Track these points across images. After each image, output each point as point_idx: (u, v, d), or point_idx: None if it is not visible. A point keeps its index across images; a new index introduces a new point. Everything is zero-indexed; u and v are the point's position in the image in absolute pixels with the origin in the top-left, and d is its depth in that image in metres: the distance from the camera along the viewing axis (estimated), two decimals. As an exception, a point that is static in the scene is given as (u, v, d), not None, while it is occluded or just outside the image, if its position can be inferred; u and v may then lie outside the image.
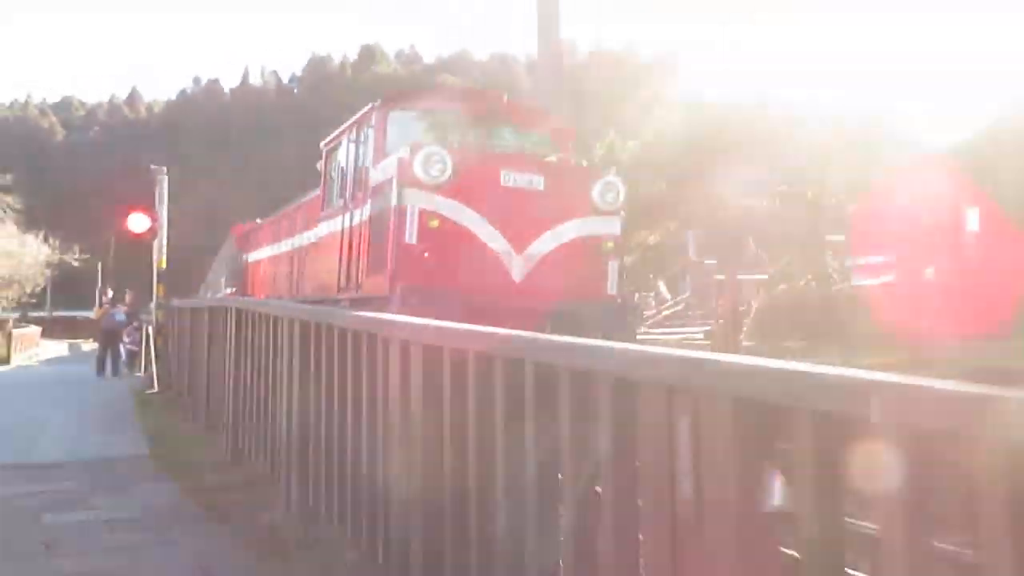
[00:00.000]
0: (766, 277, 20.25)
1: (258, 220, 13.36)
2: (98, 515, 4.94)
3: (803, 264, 19.57)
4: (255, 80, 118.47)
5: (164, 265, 12.35)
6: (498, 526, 2.71)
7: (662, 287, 26.60)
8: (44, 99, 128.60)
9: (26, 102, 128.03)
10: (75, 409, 9.74)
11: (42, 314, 45.76)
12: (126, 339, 15.65)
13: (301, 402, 4.99)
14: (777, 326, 13.73)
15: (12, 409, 9.93)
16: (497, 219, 7.15)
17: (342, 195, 8.55)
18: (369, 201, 7.67)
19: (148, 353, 13.00)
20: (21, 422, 8.49)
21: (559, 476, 2.39)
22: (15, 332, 23.12)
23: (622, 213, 8.05)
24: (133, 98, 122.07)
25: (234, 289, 14.42)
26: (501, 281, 7.10)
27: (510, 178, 7.26)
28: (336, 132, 8.92)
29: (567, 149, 8.65)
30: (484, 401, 2.82)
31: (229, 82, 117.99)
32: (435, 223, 6.92)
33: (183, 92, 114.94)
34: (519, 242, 7.22)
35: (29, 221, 35.79)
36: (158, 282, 12.21)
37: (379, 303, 6.77)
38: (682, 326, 19.21)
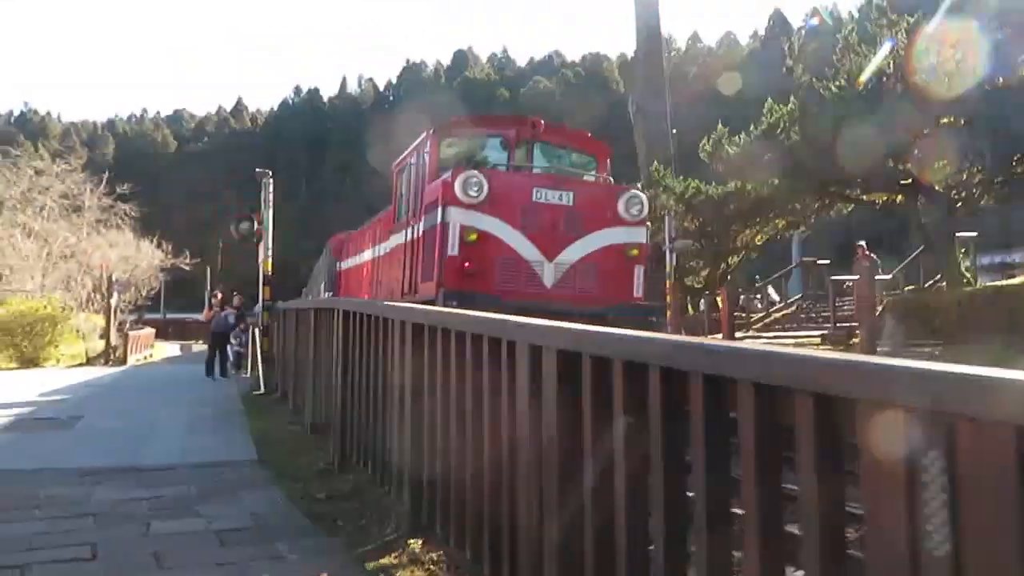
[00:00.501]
0: (888, 278, 18.96)
1: (350, 231, 14.19)
2: (207, 524, 4.72)
3: (928, 263, 18.19)
4: (352, 88, 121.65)
5: (270, 268, 12.41)
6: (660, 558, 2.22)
7: (770, 289, 25.43)
8: (158, 112, 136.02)
9: (142, 116, 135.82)
10: (184, 410, 9.79)
11: (156, 316, 48.05)
12: (233, 341, 15.94)
13: (414, 410, 4.65)
14: (909, 329, 12.67)
15: (124, 410, 10.07)
16: (530, 231, 8.01)
17: (406, 211, 9.49)
18: (424, 217, 8.59)
19: (254, 355, 13.10)
20: (132, 423, 8.55)
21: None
22: (131, 333, 24.11)
23: (648, 223, 8.88)
24: (238, 109, 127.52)
25: (331, 295, 15.16)
26: (534, 286, 7.95)
27: (542, 195, 8.10)
28: (402, 155, 9.90)
29: (604, 165, 9.46)
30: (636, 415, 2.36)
31: (328, 91, 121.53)
32: (473, 237, 7.83)
33: (285, 102, 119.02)
34: (550, 251, 8.05)
35: (143, 228, 37.46)
36: (264, 284, 12.28)
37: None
38: (795, 329, 18.15)
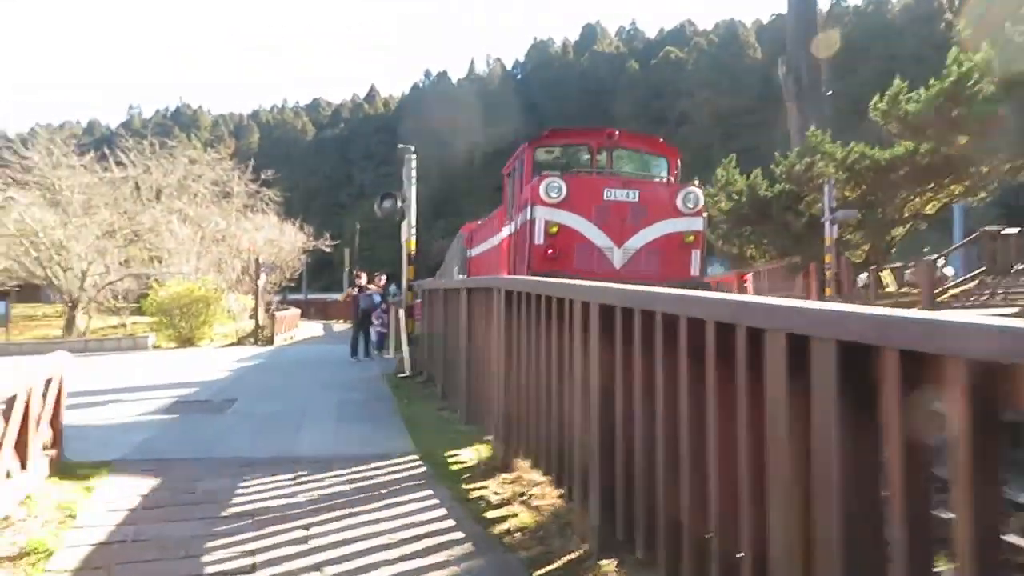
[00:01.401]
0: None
1: (479, 220, 15.08)
2: (369, 531, 4.17)
3: None
4: (481, 69, 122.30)
5: (413, 247, 12.02)
6: None
7: (943, 264, 22.97)
8: (297, 102, 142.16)
9: (283, 106, 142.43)
10: (334, 394, 9.50)
11: (298, 296, 49.98)
12: (375, 321, 15.80)
13: (603, 408, 3.88)
14: None
15: (276, 393, 9.92)
16: (601, 223, 9.49)
17: (511, 208, 11.02)
18: (520, 214, 10.20)
19: (398, 335, 12.79)
20: (284, 409, 8.29)
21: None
22: (277, 314, 24.78)
23: (704, 214, 10.15)
24: (371, 95, 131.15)
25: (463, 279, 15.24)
26: (606, 268, 9.22)
27: (612, 193, 9.61)
28: (508, 162, 11.53)
29: (673, 165, 10.88)
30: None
31: (457, 73, 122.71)
32: (555, 229, 9.38)
33: (415, 86, 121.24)
34: (618, 239, 9.50)
35: (285, 211, 38.73)
36: (408, 264, 11.90)
37: None
38: (982, 306, 16.11)
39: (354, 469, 5.59)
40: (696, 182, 11.02)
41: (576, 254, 9.37)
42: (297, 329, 27.49)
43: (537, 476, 5.18)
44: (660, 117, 77.09)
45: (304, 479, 5.31)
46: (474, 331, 7.13)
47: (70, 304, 27.40)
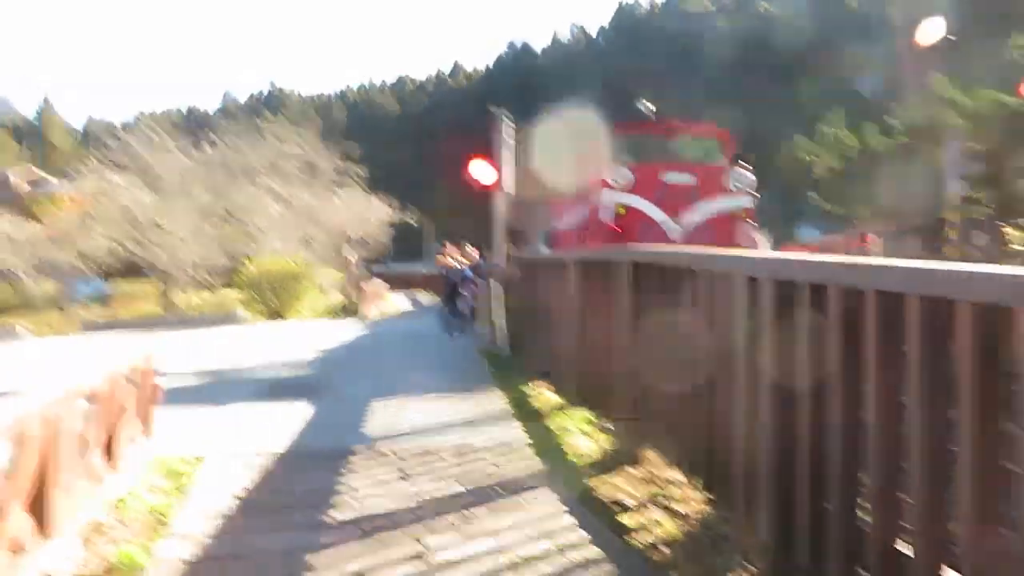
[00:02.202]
0: None
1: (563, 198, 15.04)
2: (493, 546, 3.58)
3: None
4: (564, 37, 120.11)
5: (507, 216, 11.39)
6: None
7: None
8: (383, 80, 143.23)
9: (369, 84, 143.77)
10: (433, 375, 9.00)
11: (383, 269, 50.35)
12: (465, 293, 15.30)
13: (780, 404, 3.17)
14: None
15: (370, 373, 9.50)
16: (661, 203, 10.74)
17: (587, 191, 12.02)
18: (593, 196, 11.42)
19: (491, 310, 12.23)
20: (381, 391, 7.80)
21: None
22: (365, 288, 24.73)
23: (753, 192, 11.25)
24: (455, 70, 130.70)
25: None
26: (665, 241, 10.15)
27: (670, 177, 10.99)
28: None
29: (727, 147, 12.32)
30: None
31: (540, 43, 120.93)
32: (622, 210, 10.71)
33: (499, 59, 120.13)
34: (676, 216, 10.71)
35: (372, 187, 38.80)
36: (508, 235, 11.29)
37: None
38: None
39: (464, 463, 5.04)
40: (744, 164, 11.69)
41: (639, 230, 10.39)
42: (384, 302, 27.42)
43: (673, 474, 4.50)
44: (752, 68, 73.93)
45: (411, 474, 4.78)
46: (589, 308, 6.45)
47: (166, 281, 28.17)
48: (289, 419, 6.46)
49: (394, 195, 40.22)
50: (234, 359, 11.25)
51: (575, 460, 5.08)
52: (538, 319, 9.06)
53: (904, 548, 2.50)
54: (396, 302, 29.07)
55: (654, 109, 17.46)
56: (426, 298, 39.81)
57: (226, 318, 21.89)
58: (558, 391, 7.41)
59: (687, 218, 10.77)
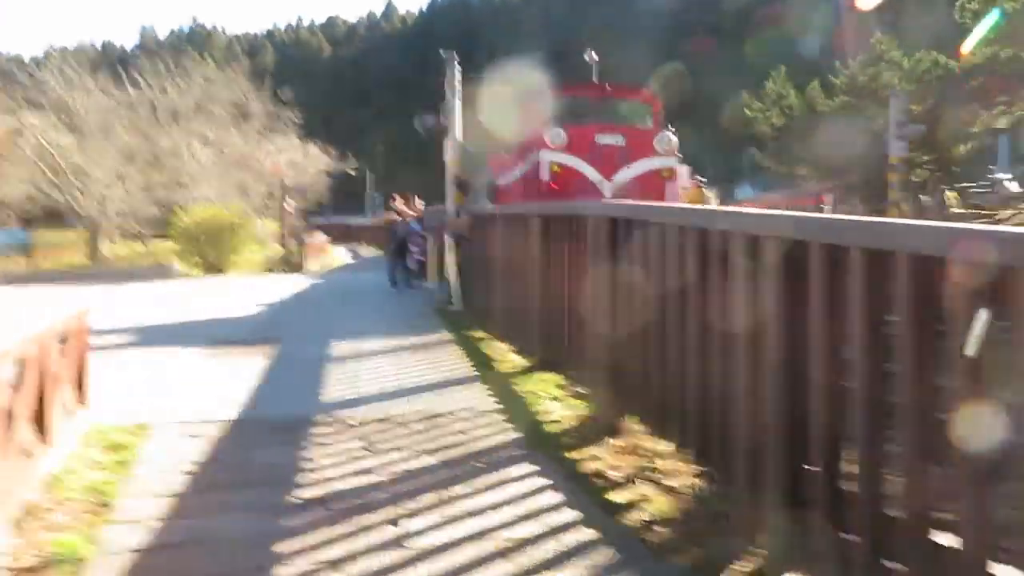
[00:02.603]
0: None
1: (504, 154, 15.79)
2: (476, 527, 3.31)
3: None
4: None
5: (458, 166, 10.95)
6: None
7: (1008, 180, 21.49)
8: (312, 20, 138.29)
9: (298, 25, 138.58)
10: (384, 330, 8.63)
11: (321, 220, 49.06)
12: (414, 248, 14.83)
13: (788, 370, 2.97)
14: None
15: (319, 330, 9.07)
16: (594, 163, 11.51)
17: (525, 149, 12.76)
18: (531, 155, 12.20)
19: (440, 264, 11.86)
20: (333, 352, 7.41)
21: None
22: (307, 240, 23.93)
23: (677, 154, 12.29)
24: (388, 12, 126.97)
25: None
26: (598, 198, 10.21)
27: (603, 139, 11.75)
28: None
29: (656, 112, 13.41)
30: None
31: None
32: (556, 168, 11.48)
33: (434, 2, 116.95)
34: (608, 174, 11.46)
35: (305, 133, 37.48)
36: (455, 187, 10.86)
37: None
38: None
39: (433, 432, 4.74)
40: (671, 128, 12.73)
41: (574, 187, 11.25)
42: (326, 255, 26.71)
43: (658, 444, 4.30)
44: (696, 27, 73.80)
45: (378, 447, 4.46)
46: (554, 265, 6.17)
47: (92, 231, 26.76)
48: (239, 383, 6.03)
49: (330, 143, 38.97)
50: (174, 316, 10.67)
51: (552, 429, 4.82)
52: (494, 276, 8.74)
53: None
54: (338, 255, 28.35)
55: (597, 59, 18.06)
56: (368, 251, 39.08)
57: (160, 272, 20.89)
58: (521, 352, 7.15)
59: (618, 176, 11.63)
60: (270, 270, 22.34)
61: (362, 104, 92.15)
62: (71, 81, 28.21)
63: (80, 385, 4.65)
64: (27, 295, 14.89)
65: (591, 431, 4.70)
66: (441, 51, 11.02)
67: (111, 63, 48.20)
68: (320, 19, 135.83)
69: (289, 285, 16.18)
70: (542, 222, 6.45)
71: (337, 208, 64.81)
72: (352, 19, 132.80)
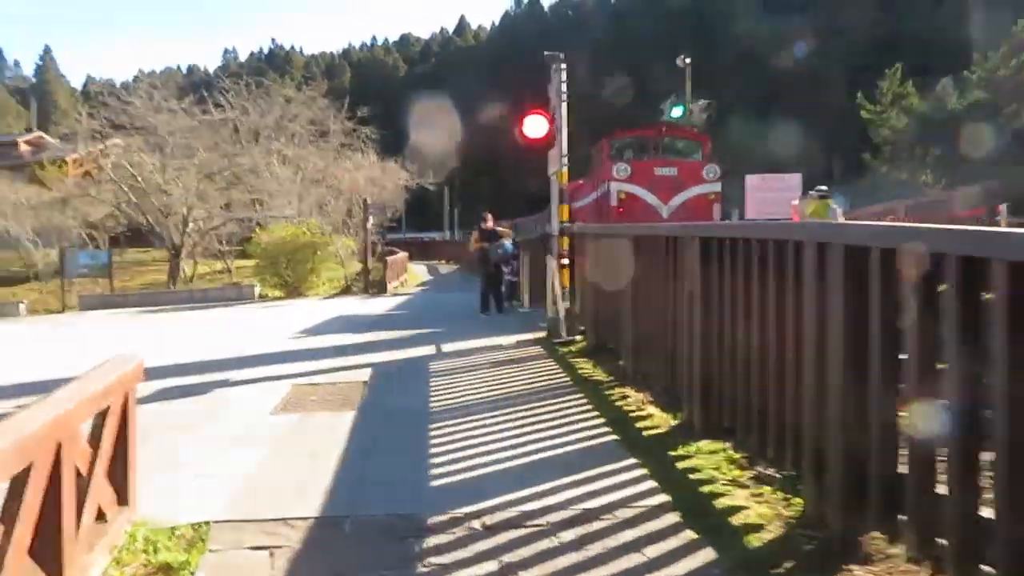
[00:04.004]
0: None
1: (580, 180, 18.03)
2: None
3: None
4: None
5: (566, 179, 9.63)
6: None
7: None
8: (387, 39, 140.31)
9: (372, 43, 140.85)
10: (496, 379, 7.32)
11: (397, 236, 48.66)
12: (505, 269, 13.57)
13: None
14: None
15: (411, 373, 7.84)
16: (653, 190, 14.28)
17: (597, 178, 15.87)
18: (601, 185, 15.12)
19: (549, 292, 10.54)
20: (436, 412, 6.11)
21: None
22: (388, 258, 22.99)
23: (720, 181, 14.72)
24: (461, 27, 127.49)
25: None
26: (657, 219, 13.62)
27: (660, 170, 14.58)
28: (594, 147, 16.40)
29: (705, 148, 15.97)
30: None
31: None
32: (623, 196, 14.20)
33: (506, 15, 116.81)
34: (665, 200, 14.25)
35: (383, 150, 37.03)
36: (560, 202, 9.55)
37: None
38: None
39: (592, 547, 3.38)
40: (715, 160, 15.18)
41: (638, 211, 13.73)
42: (406, 274, 25.78)
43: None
44: (773, 39, 70.95)
45: (517, 570, 3.13)
46: (730, 298, 4.74)
47: (173, 251, 26.58)
48: (322, 459, 4.80)
49: (409, 159, 38.36)
50: (247, 349, 9.65)
51: (752, 542, 3.40)
52: (617, 304, 7.37)
53: None
54: (416, 272, 27.43)
55: (688, 61, 21.84)
56: (445, 268, 38.26)
57: (239, 293, 20.29)
58: (664, 404, 5.75)
59: (673, 201, 14.25)
60: (349, 289, 21.49)
61: (440, 120, 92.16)
62: (157, 104, 28.31)
63: (121, 475, 3.48)
64: (93, 326, 14.38)
65: (821, 552, 3.27)
66: (545, 53, 9.72)
67: (196, 86, 49.06)
68: (394, 37, 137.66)
69: (371, 310, 15.14)
70: (701, 244, 5.04)
71: (414, 223, 64.59)
72: (425, 35, 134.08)
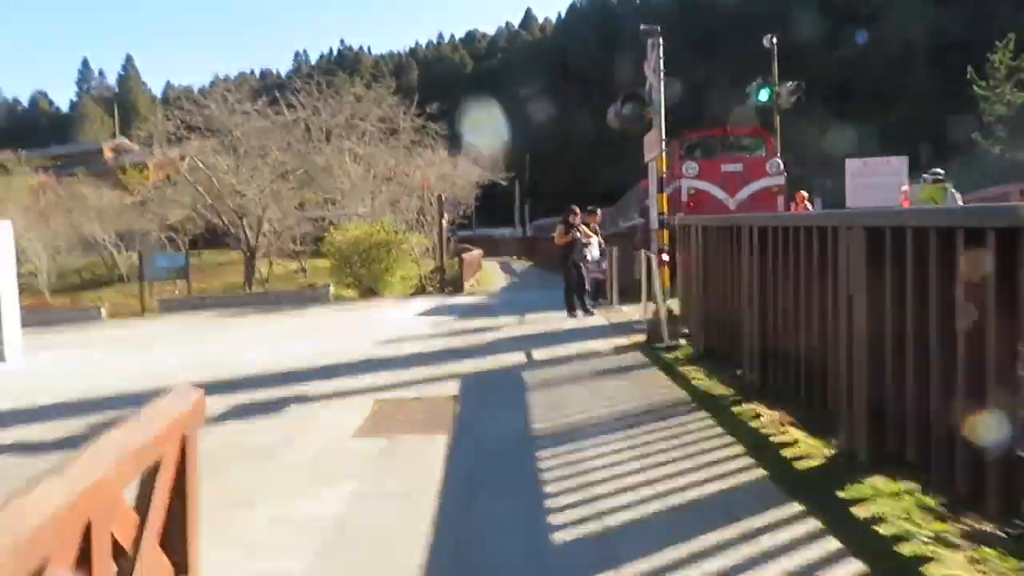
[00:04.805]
0: None
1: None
2: None
3: None
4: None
5: (664, 166, 8.72)
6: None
7: None
8: (452, 35, 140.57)
9: (439, 41, 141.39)
10: (597, 390, 6.50)
11: (467, 233, 48.21)
12: (590, 265, 12.70)
13: None
14: None
15: (508, 391, 7.07)
16: (721, 185, 15.39)
17: (670, 175, 14.05)
18: (673, 182, 14.91)
19: (648, 291, 9.65)
20: (537, 436, 5.30)
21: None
22: (464, 256, 22.35)
23: (784, 174, 15.89)
24: (527, 21, 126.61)
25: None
26: (724, 211, 14.24)
27: (726, 167, 15.73)
28: (672, 142, 15.79)
29: (769, 144, 17.26)
30: None
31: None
32: (693, 191, 15.26)
33: (572, 6, 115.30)
34: (731, 193, 15.35)
35: (452, 146, 36.63)
36: (659, 192, 8.64)
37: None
38: None
39: None
40: (778, 155, 16.49)
41: (707, 205, 14.53)
42: (481, 271, 25.14)
43: None
44: (849, 13, 67.66)
45: None
46: (924, 298, 3.81)
47: (248, 252, 26.62)
48: (413, 492, 4.07)
49: (479, 154, 37.81)
50: (324, 359, 9.06)
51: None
52: (734, 305, 6.45)
53: None
54: (489, 270, 26.80)
55: (775, 41, 21.73)
56: (517, 264, 37.59)
57: (313, 296, 19.98)
58: (810, 428, 4.84)
59: (739, 194, 15.41)
60: (423, 289, 20.96)
61: (506, 114, 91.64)
62: (232, 107, 28.48)
63: (179, 541, 2.80)
64: (170, 338, 14.11)
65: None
66: (641, 27, 8.79)
67: (268, 88, 49.62)
68: (460, 33, 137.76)
69: (451, 311, 14.48)
70: (867, 236, 4.10)
71: (481, 220, 64.09)
72: (491, 31, 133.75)
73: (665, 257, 8.50)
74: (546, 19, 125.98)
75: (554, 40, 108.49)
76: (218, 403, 6.71)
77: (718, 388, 6.25)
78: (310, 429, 5.61)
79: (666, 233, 8.59)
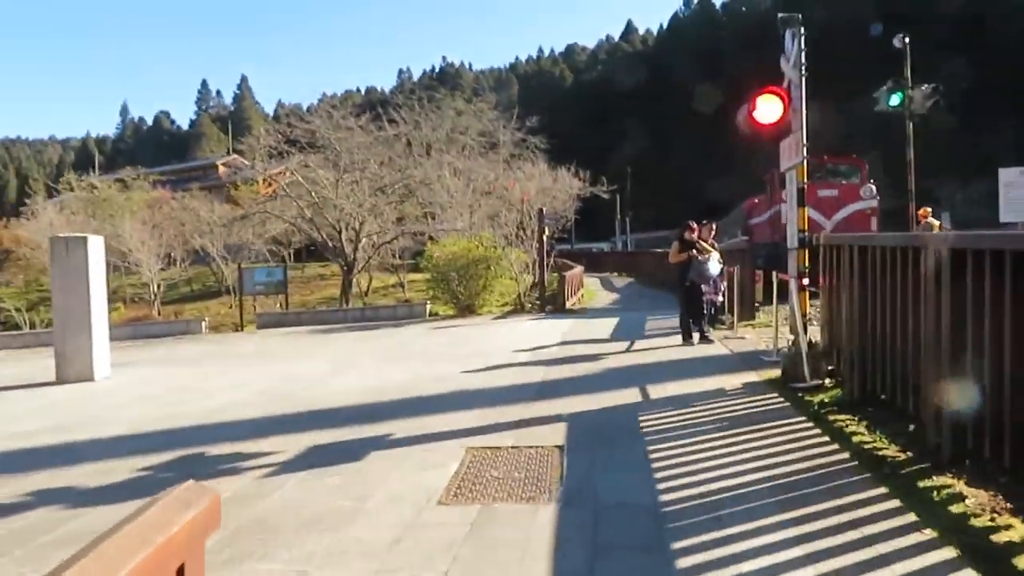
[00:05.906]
0: None
1: (755, 199, 21.49)
2: None
3: None
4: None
5: (805, 178, 7.49)
6: None
7: None
8: (552, 50, 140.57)
9: (539, 55, 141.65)
10: (722, 442, 5.37)
11: (564, 247, 47.17)
12: (705, 288, 11.45)
13: None
14: None
15: (626, 444, 6.01)
16: (817, 208, 16.27)
17: (769, 200, 19.87)
18: (775, 206, 18.27)
19: (791, 319, 8.41)
20: (673, 513, 4.21)
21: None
22: (566, 273, 21.33)
23: (877, 198, 18.28)
24: (628, 32, 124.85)
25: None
26: (819, 232, 12.18)
27: (822, 192, 17.58)
28: (767, 175, 20.43)
29: (863, 172, 19.15)
30: None
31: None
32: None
33: (675, 16, 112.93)
34: (828, 216, 17.52)
35: (551, 159, 35.92)
36: (799, 204, 7.42)
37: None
38: None
39: None
40: (872, 181, 18.63)
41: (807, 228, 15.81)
42: (583, 288, 24.08)
43: None
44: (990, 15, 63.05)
45: None
46: None
47: (346, 266, 26.52)
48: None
49: (578, 168, 36.89)
50: (413, 390, 8.26)
51: None
52: (903, 340, 5.19)
53: None
54: (591, 287, 25.72)
55: (907, 40, 20.85)
56: (618, 280, 36.32)
57: (409, 312, 19.44)
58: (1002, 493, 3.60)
59: (835, 217, 17.60)
60: (522, 307, 20.06)
61: (605, 127, 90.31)
62: (336, 123, 28.70)
63: None
64: (260, 350, 13.69)
65: None
66: (779, 15, 7.60)
67: (372, 105, 50.30)
68: (559, 48, 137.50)
69: (556, 336, 13.48)
70: None
71: (579, 235, 62.90)
72: (591, 44, 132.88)
73: (806, 281, 7.25)
74: (647, 30, 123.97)
75: (656, 51, 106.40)
76: (292, 445, 5.96)
77: (885, 448, 5.00)
78: (388, 489, 4.72)
79: (806, 253, 7.34)
